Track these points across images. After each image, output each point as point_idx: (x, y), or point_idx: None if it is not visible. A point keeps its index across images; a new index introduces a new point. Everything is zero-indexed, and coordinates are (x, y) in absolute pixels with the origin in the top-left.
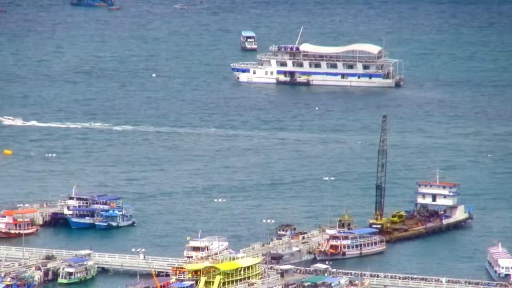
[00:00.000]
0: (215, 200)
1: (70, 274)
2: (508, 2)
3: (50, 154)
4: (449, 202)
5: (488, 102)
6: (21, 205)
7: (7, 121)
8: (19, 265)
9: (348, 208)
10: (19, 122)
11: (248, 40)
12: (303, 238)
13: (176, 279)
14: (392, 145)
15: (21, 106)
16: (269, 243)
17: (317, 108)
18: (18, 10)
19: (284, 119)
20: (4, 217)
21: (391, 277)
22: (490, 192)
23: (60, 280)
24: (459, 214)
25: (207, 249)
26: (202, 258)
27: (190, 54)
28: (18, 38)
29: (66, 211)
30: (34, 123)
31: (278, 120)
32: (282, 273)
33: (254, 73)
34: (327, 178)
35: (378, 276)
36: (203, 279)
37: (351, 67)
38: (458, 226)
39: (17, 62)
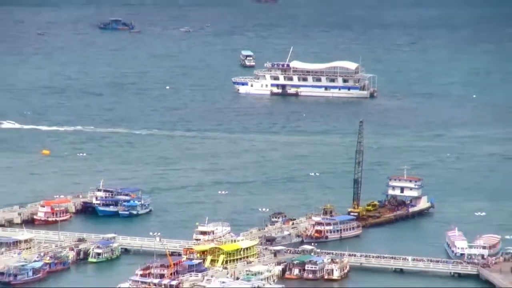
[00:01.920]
0: (219, 192)
1: (98, 254)
2: (467, 26)
3: (81, 154)
4: (414, 193)
5: (448, 110)
6: (57, 196)
7: (8, 124)
8: (55, 246)
9: (330, 199)
10: (17, 125)
11: (247, 58)
12: (293, 224)
13: (186, 258)
14: (368, 146)
15: (57, 114)
16: (264, 228)
17: (304, 115)
18: (54, 33)
19: (277, 125)
20: (44, 206)
21: (366, 256)
22: (449, 186)
23: (90, 259)
24: (423, 204)
25: (213, 233)
26: (208, 240)
27: (198, 70)
28: (54, 57)
29: (94, 201)
30: (44, 127)
31: (271, 126)
32: (275, 253)
33: (252, 86)
34: (313, 174)
35: (355, 256)
36: (209, 258)
37: (332, 80)
38: (422, 213)
39: (53, 77)
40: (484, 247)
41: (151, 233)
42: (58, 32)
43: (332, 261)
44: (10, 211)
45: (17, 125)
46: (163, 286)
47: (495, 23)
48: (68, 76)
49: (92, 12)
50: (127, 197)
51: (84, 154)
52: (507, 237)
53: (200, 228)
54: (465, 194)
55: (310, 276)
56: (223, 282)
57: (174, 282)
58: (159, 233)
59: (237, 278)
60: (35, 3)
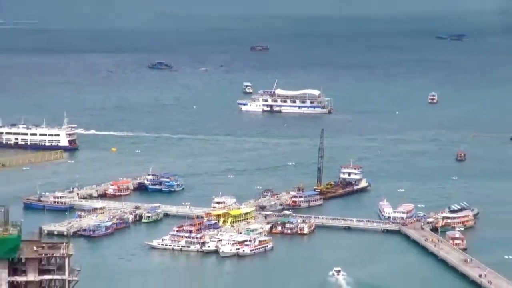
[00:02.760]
0: (229, 176)
1: (148, 217)
2: (396, 67)
3: (137, 151)
4: (357, 177)
5: (379, 122)
6: (121, 178)
7: (81, 131)
8: (120, 212)
9: (302, 180)
10: (92, 131)
11: (247, 87)
12: (277, 197)
13: (207, 219)
14: (327, 146)
15: (122, 124)
16: (258, 200)
17: (285, 125)
18: (119, 71)
19: (266, 131)
20: (112, 185)
21: (325, 218)
22: (380, 172)
23: (143, 220)
24: (363, 184)
25: (224, 203)
26: (221, 208)
27: (214, 95)
28: (119, 87)
29: (146, 182)
30: (106, 132)
31: (263, 132)
32: (266, 216)
33: (250, 105)
34: (290, 164)
35: (318, 218)
36: (221, 219)
37: (303, 102)
38: (362, 190)
39: (118, 101)
40: (403, 212)
41: (183, 203)
42: (121, 70)
43: (303, 221)
44: (90, 188)
45: (92, 131)
46: (191, 238)
47: (408, 65)
48: (127, 99)
49: (144, 56)
50: (167, 179)
51: (139, 151)
52: (419, 205)
53: (216, 200)
54: (391, 177)
55: (289, 231)
56: (231, 235)
57: (199, 235)
58: (188, 203)
59: (240, 233)
60: (106, 50)
